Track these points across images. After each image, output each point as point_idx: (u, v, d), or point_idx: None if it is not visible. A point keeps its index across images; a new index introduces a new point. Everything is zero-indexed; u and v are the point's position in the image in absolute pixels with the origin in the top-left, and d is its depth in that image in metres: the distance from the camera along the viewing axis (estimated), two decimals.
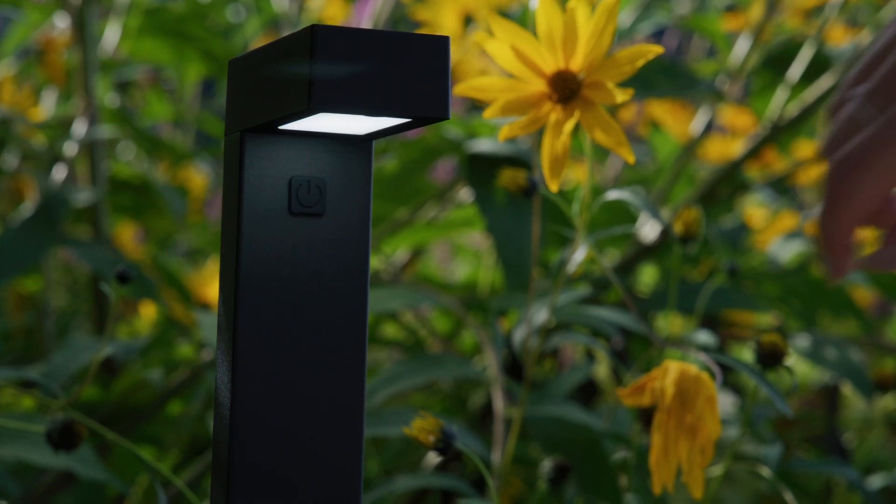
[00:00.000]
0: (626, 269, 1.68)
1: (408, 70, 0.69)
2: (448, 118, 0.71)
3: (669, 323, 1.63)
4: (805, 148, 1.97)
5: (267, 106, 0.71)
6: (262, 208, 0.73)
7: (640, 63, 0.84)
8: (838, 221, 0.59)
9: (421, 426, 0.81)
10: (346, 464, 0.74)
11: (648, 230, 1.65)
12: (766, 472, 1.08)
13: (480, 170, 1.48)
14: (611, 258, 1.73)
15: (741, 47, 1.74)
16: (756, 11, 1.81)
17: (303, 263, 0.74)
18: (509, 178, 0.99)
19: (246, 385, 0.72)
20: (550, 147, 0.86)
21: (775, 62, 1.79)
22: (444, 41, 0.70)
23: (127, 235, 2.03)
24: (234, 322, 0.72)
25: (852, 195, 0.58)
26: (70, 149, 1.72)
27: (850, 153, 0.57)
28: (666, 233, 1.62)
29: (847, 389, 1.90)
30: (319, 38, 0.68)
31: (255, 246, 0.73)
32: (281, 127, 0.72)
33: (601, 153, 1.83)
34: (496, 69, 1.65)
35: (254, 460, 0.73)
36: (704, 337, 1.16)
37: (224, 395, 0.73)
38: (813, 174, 1.99)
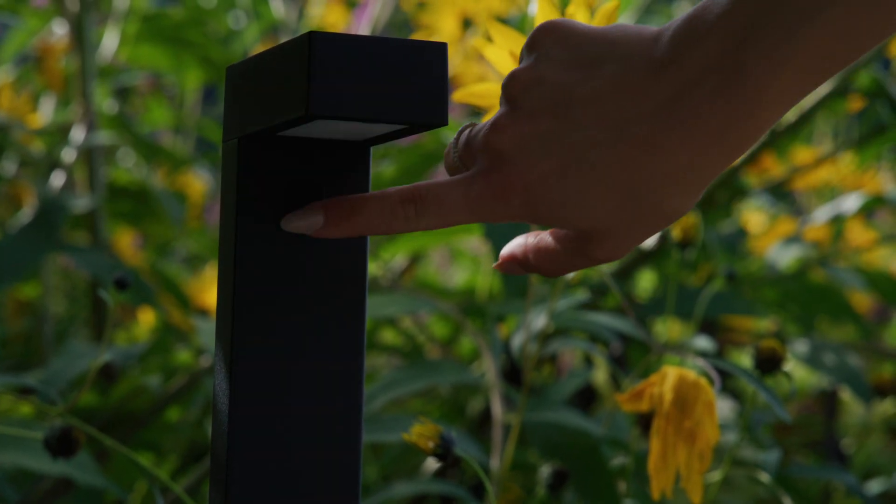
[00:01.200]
0: (625, 274, 1.68)
1: (406, 76, 0.69)
2: (447, 125, 0.71)
3: (668, 328, 1.63)
4: (803, 153, 1.97)
5: (264, 112, 0.71)
6: (260, 215, 0.73)
7: None
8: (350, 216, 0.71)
9: (420, 432, 0.81)
10: (345, 470, 0.74)
11: None
12: (764, 477, 1.08)
13: None
14: (609, 263, 1.73)
15: None
16: None
17: (301, 270, 0.74)
18: None
19: (244, 391, 0.72)
20: None
21: None
22: (442, 47, 0.70)
23: (125, 241, 2.03)
24: (231, 328, 0.72)
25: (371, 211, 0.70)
26: (68, 155, 1.72)
27: (423, 189, 0.69)
28: (664, 238, 1.62)
29: (846, 395, 1.90)
30: (317, 44, 0.68)
31: (252, 253, 0.73)
32: (278, 133, 0.72)
33: None
34: (495, 75, 1.65)
35: (252, 467, 0.72)
36: (703, 342, 1.16)
37: (222, 401, 0.73)
38: (811, 179, 1.99)
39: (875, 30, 0.62)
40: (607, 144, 0.65)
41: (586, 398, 1.65)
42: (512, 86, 0.68)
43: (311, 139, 0.74)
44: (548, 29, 0.68)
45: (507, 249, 0.72)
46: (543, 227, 0.71)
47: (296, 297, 0.73)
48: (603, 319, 1.18)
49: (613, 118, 0.65)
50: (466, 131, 0.71)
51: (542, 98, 0.67)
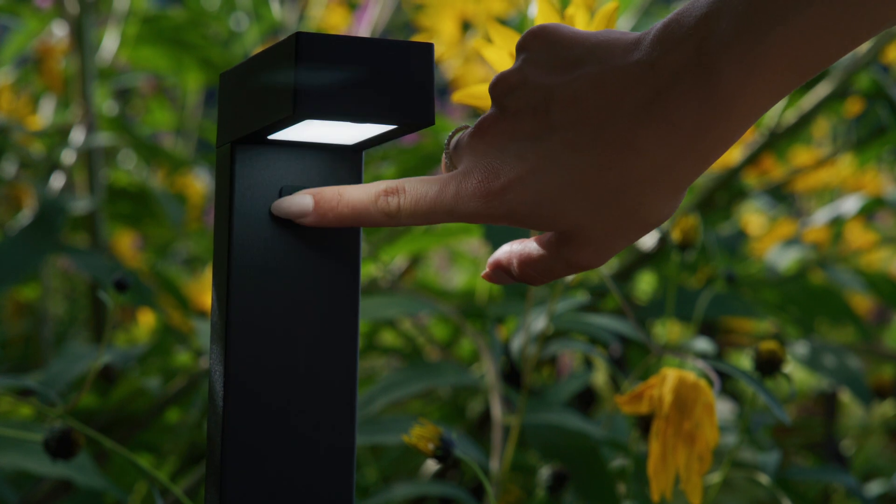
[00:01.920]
0: (625, 276, 1.68)
1: (393, 77, 0.70)
2: (433, 124, 0.72)
3: (667, 330, 1.63)
4: (803, 155, 1.97)
5: (255, 116, 0.71)
6: (253, 218, 0.73)
7: None
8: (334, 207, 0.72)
9: (420, 434, 0.81)
10: (339, 468, 0.74)
11: (646, 238, 1.65)
12: (764, 479, 1.08)
13: None
14: (609, 265, 1.73)
15: None
16: None
17: (294, 272, 0.74)
18: None
19: (238, 392, 0.73)
20: None
21: None
22: (427, 48, 0.71)
23: (125, 243, 2.03)
24: (225, 330, 0.73)
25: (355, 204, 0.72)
26: (68, 157, 1.72)
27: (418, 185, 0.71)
28: (664, 240, 1.62)
29: (845, 396, 1.90)
30: (304, 45, 0.68)
31: (246, 255, 0.73)
32: (270, 137, 0.73)
33: None
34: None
35: (247, 465, 0.73)
36: (702, 344, 1.16)
37: (217, 401, 0.73)
38: (811, 181, 1.99)
39: (845, 33, 0.62)
40: (583, 146, 0.66)
41: (586, 400, 1.65)
42: (498, 88, 0.69)
43: (303, 144, 0.74)
44: (535, 33, 0.69)
45: (493, 257, 0.73)
46: (535, 231, 0.72)
47: (289, 299, 0.73)
48: (602, 321, 1.18)
49: (591, 119, 0.66)
50: (459, 133, 0.72)
51: (524, 99, 0.68)
